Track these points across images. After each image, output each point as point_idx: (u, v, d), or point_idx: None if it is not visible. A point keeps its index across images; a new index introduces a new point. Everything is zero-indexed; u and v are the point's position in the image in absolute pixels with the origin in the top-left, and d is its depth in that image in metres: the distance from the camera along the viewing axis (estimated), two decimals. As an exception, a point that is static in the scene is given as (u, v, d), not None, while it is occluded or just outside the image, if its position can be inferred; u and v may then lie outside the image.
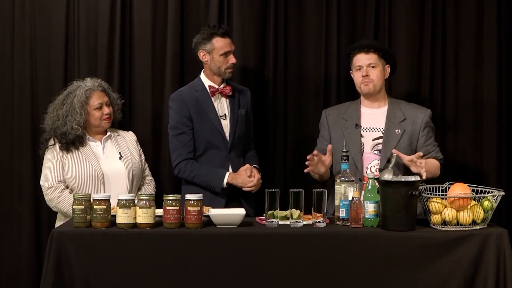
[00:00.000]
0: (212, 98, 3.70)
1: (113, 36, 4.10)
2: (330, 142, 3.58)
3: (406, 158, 3.28)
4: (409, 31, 4.16)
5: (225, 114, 3.72)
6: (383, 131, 3.51)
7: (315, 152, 3.37)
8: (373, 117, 3.56)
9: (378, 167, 3.43)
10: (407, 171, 3.35)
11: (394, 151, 3.30)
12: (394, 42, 4.16)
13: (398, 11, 4.17)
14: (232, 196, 3.64)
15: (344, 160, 3.13)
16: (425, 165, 3.26)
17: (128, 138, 3.77)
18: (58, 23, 4.10)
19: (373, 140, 3.51)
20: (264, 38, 4.18)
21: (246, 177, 3.58)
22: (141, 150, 3.79)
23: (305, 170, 3.39)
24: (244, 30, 4.15)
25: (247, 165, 3.63)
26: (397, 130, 3.49)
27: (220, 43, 3.64)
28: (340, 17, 4.15)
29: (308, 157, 3.35)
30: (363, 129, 3.53)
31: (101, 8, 4.10)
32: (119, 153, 3.64)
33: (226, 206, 3.58)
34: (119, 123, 3.86)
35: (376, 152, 3.49)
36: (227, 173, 3.61)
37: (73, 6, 4.10)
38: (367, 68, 3.49)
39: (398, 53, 4.11)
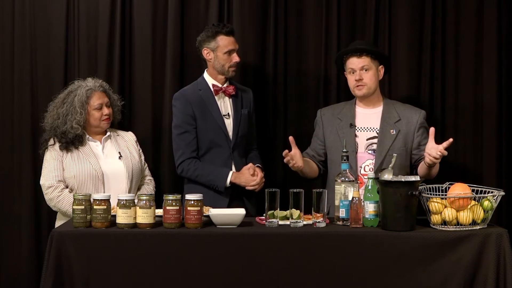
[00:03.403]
0: (216, 97, 3.70)
1: (113, 36, 4.10)
2: (324, 141, 3.60)
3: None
4: (409, 31, 4.16)
5: (228, 113, 3.73)
6: (377, 131, 3.51)
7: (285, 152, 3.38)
8: (368, 117, 3.56)
9: (372, 166, 3.43)
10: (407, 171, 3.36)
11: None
12: (394, 42, 4.16)
13: (398, 11, 4.16)
14: (235, 195, 3.65)
15: (344, 160, 3.13)
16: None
17: (128, 138, 3.77)
18: (58, 23, 4.10)
19: (367, 140, 3.51)
20: (264, 38, 4.18)
21: (249, 176, 3.59)
22: (140, 150, 3.79)
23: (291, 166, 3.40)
24: (244, 29, 4.15)
25: (250, 164, 3.63)
26: (392, 131, 3.50)
27: (224, 41, 3.65)
28: (340, 17, 4.15)
29: (286, 159, 3.37)
30: (357, 129, 3.54)
31: (101, 8, 4.10)
32: (119, 152, 3.64)
33: (229, 205, 3.59)
34: (119, 123, 3.86)
35: (370, 152, 3.49)
36: (230, 172, 3.62)
37: (73, 6, 4.10)
38: (360, 72, 3.49)
39: (398, 53, 4.12)
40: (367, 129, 3.53)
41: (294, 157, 3.39)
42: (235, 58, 3.68)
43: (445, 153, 3.23)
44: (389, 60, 3.64)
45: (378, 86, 3.59)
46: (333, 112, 3.64)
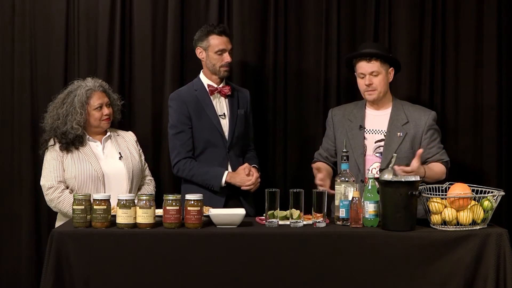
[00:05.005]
0: (211, 97, 3.71)
1: (113, 36, 4.10)
2: (335, 142, 3.59)
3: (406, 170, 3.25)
4: (409, 32, 4.16)
5: (224, 113, 3.73)
6: (385, 134, 3.50)
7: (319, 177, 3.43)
8: (377, 119, 3.55)
9: (379, 169, 3.42)
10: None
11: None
12: (394, 43, 4.16)
13: (398, 11, 4.16)
14: (231, 195, 3.65)
15: (344, 160, 3.13)
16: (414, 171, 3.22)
17: (128, 138, 3.77)
18: (58, 23, 4.10)
19: (375, 142, 3.50)
20: (264, 38, 4.18)
21: (244, 176, 3.59)
22: (141, 150, 3.79)
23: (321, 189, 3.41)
24: (244, 29, 4.15)
25: (246, 164, 3.64)
26: (399, 133, 3.48)
27: (215, 41, 3.66)
28: (340, 17, 4.15)
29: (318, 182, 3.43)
30: (366, 131, 3.53)
31: (101, 8, 4.10)
32: (119, 153, 3.64)
33: (225, 205, 3.60)
34: (119, 123, 3.86)
35: (377, 154, 3.49)
36: (226, 172, 3.62)
37: (73, 6, 4.10)
38: (369, 77, 3.47)
39: (398, 54, 4.11)
40: (375, 132, 3.52)
41: (324, 182, 3.42)
42: (227, 58, 3.67)
43: (409, 170, 3.18)
44: (398, 62, 3.58)
45: (388, 88, 3.57)
46: (344, 113, 3.63)
